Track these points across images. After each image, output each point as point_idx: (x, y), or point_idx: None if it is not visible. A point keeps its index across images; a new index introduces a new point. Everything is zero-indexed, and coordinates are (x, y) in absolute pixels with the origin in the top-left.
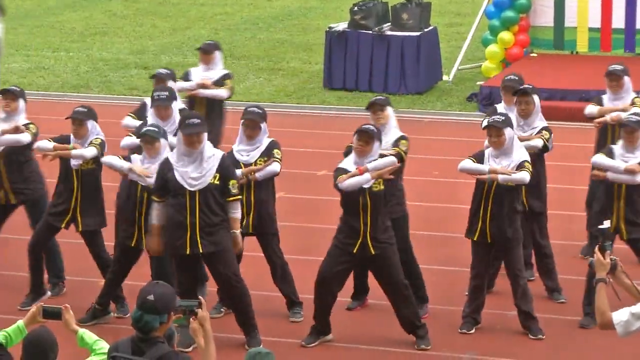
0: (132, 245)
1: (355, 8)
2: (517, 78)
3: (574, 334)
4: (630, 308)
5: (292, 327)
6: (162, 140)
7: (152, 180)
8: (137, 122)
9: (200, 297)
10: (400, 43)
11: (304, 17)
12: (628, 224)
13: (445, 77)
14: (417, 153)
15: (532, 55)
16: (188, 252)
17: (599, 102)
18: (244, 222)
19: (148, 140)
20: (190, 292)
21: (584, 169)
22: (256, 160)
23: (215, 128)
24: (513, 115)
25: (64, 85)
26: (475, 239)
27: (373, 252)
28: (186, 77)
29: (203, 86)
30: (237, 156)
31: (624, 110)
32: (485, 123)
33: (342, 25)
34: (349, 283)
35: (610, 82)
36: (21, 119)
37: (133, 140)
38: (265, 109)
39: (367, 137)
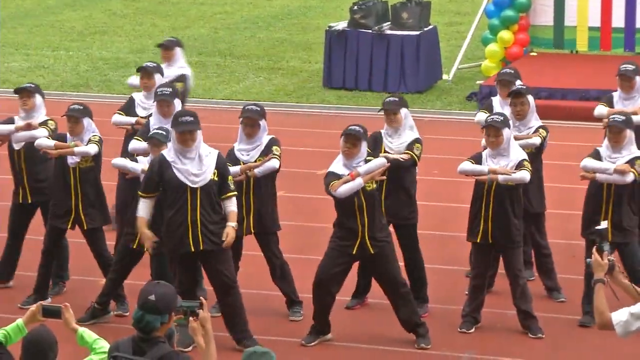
0: (135, 247)
1: (355, 7)
2: (512, 72)
3: (573, 333)
4: (629, 308)
5: (292, 326)
6: (169, 144)
7: None
8: (127, 119)
9: (201, 297)
10: (400, 42)
11: (304, 16)
12: (614, 227)
13: (445, 76)
14: None
15: (532, 54)
16: (192, 249)
17: (609, 102)
18: (244, 223)
19: (155, 143)
20: (190, 292)
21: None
22: (256, 160)
23: None
24: (508, 110)
25: (64, 84)
26: (477, 241)
27: (372, 252)
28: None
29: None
30: (238, 155)
31: (634, 113)
32: (480, 116)
33: (341, 25)
34: (350, 282)
35: (622, 83)
36: (40, 116)
37: (141, 144)
38: (265, 108)
39: (354, 140)
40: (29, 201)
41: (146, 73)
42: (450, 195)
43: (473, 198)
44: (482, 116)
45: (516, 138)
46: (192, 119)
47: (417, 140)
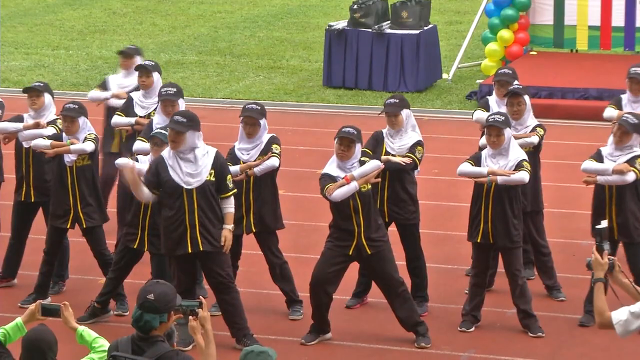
0: (135, 247)
1: (355, 6)
2: (510, 72)
3: (573, 332)
4: (629, 307)
5: (292, 325)
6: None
7: None
8: (126, 120)
9: (201, 297)
10: (400, 41)
11: (304, 15)
12: (619, 226)
13: (444, 75)
14: None
15: (531, 53)
16: (190, 250)
17: (618, 104)
18: (244, 221)
19: (157, 143)
20: (190, 292)
21: None
22: (256, 159)
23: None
24: (504, 109)
25: (64, 83)
26: (478, 241)
27: (369, 252)
28: (104, 86)
29: (117, 97)
30: (238, 154)
31: None
32: (478, 114)
33: (341, 24)
34: (350, 281)
35: (632, 86)
36: (50, 115)
37: (145, 144)
38: (265, 107)
39: (348, 142)
40: (32, 200)
41: (145, 71)
42: (450, 194)
43: (473, 198)
44: (481, 114)
45: (514, 137)
46: (183, 120)
47: (418, 143)
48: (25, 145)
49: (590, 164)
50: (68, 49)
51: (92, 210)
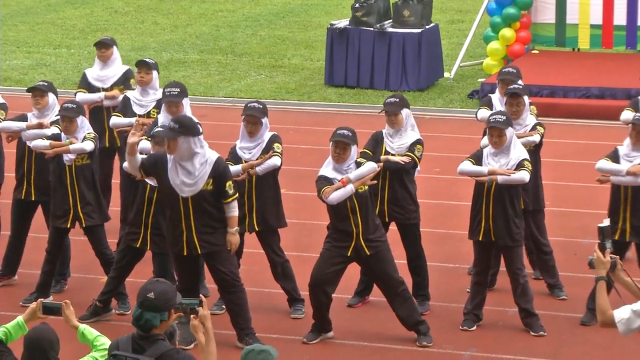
0: (138, 246)
1: (357, 5)
2: (514, 71)
3: (575, 330)
4: (632, 305)
5: (294, 324)
6: None
7: None
8: (126, 120)
9: (201, 295)
10: (402, 40)
11: (305, 14)
12: (632, 227)
13: (446, 74)
14: None
15: (533, 52)
16: (185, 253)
17: (635, 106)
18: (247, 220)
19: (158, 142)
20: (192, 290)
21: (585, 166)
22: (257, 158)
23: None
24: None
25: (65, 82)
26: (479, 239)
27: (368, 253)
28: (85, 81)
29: (112, 97)
30: (240, 153)
31: None
32: (482, 112)
33: (343, 22)
34: (351, 280)
35: None
36: (54, 114)
37: (148, 144)
38: (267, 105)
39: (344, 145)
40: (32, 198)
41: (146, 67)
42: (451, 192)
43: (473, 197)
44: (485, 113)
45: (516, 136)
46: (175, 126)
47: (418, 142)
48: (28, 144)
49: (604, 164)
50: (70, 48)
51: (92, 209)
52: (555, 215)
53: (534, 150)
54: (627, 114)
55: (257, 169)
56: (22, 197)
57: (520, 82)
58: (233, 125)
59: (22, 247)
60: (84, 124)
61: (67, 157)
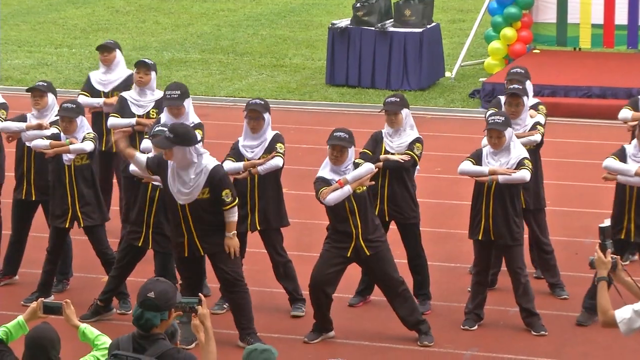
0: (140, 245)
1: (358, 4)
2: (522, 71)
3: (576, 330)
4: (633, 305)
5: (295, 323)
6: None
7: None
8: (126, 121)
9: (200, 294)
10: (403, 39)
11: (307, 14)
12: (637, 227)
13: (447, 74)
14: None
15: (534, 51)
16: (187, 254)
17: (634, 105)
18: (249, 219)
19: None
20: (195, 289)
21: (586, 165)
22: (260, 157)
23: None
24: None
25: (67, 81)
26: (479, 238)
27: (368, 253)
28: (89, 85)
29: (111, 104)
30: (242, 151)
31: None
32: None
33: (344, 22)
34: (353, 280)
35: None
36: (53, 114)
37: (149, 143)
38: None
39: (341, 147)
40: (33, 198)
41: (145, 67)
42: (452, 192)
43: (473, 196)
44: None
45: (517, 136)
46: (170, 135)
47: (417, 140)
48: (27, 144)
49: (613, 163)
50: (71, 47)
51: (91, 209)
52: (557, 214)
53: (534, 149)
54: (626, 113)
55: (259, 168)
56: (23, 197)
57: (528, 82)
58: (234, 124)
59: (23, 247)
60: (83, 124)
61: (66, 157)
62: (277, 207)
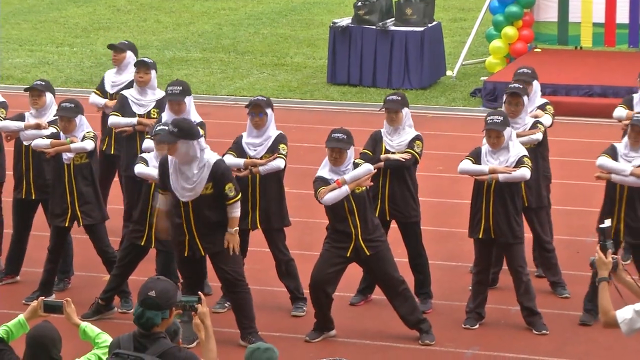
0: (142, 244)
1: (359, 3)
2: (529, 72)
3: (577, 329)
4: (634, 306)
5: (297, 322)
6: None
7: None
8: (127, 120)
9: (200, 293)
10: (404, 38)
11: (308, 12)
12: (626, 227)
13: (449, 73)
14: None
15: (536, 50)
16: (187, 254)
17: (629, 103)
18: (250, 217)
19: (159, 140)
20: (196, 288)
21: (587, 164)
22: (262, 156)
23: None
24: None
25: (68, 80)
26: (480, 237)
27: (368, 253)
28: (102, 84)
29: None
30: (245, 148)
31: None
32: None
33: (345, 21)
34: (354, 279)
35: None
36: (52, 114)
37: (151, 143)
38: None
39: (339, 149)
40: (33, 197)
41: (145, 67)
42: (453, 191)
43: (473, 195)
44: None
45: (518, 135)
46: (174, 129)
47: (417, 138)
48: (26, 143)
49: (607, 161)
50: (72, 46)
51: (90, 208)
52: (558, 213)
53: (535, 147)
54: (620, 111)
55: (261, 168)
56: (22, 197)
57: (536, 82)
58: (236, 123)
59: (24, 247)
60: (82, 123)
61: (66, 156)
62: (279, 206)
